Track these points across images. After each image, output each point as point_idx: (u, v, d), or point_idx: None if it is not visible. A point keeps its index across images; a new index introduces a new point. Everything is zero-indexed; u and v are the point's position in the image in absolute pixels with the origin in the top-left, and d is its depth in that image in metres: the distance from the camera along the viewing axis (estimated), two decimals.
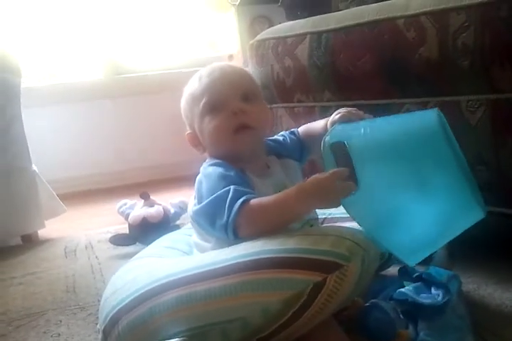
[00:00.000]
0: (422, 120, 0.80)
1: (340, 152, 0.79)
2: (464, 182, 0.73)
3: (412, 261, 0.82)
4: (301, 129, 0.99)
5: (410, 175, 0.77)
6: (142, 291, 0.75)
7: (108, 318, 0.79)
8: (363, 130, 0.83)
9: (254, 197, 0.75)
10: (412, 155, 0.77)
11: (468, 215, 0.77)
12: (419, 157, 0.77)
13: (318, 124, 0.95)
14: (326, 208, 0.81)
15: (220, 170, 0.81)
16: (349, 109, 0.90)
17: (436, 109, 0.80)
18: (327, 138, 0.83)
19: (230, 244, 0.76)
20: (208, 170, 0.82)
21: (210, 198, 0.77)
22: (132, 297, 0.76)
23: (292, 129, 1.00)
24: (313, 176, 0.76)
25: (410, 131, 0.79)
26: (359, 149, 0.79)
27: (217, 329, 0.67)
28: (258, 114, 0.84)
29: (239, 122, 0.82)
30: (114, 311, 0.78)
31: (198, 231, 0.86)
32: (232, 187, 0.76)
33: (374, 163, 0.79)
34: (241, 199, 0.74)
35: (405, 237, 0.77)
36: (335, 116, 0.90)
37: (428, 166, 0.76)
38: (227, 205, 0.74)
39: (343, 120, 0.88)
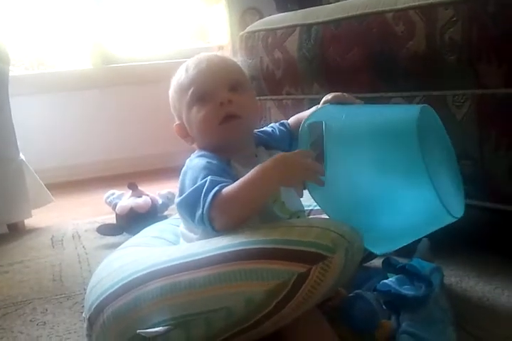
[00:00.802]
0: (406, 114, 0.79)
1: (319, 133, 0.80)
2: (431, 185, 0.71)
3: (377, 250, 0.83)
4: (292, 119, 1.00)
5: (379, 166, 0.77)
6: (127, 280, 0.76)
7: (93, 307, 0.79)
8: (344, 114, 0.83)
9: (226, 186, 0.75)
10: (384, 147, 0.77)
11: (438, 217, 0.76)
12: (392, 150, 0.76)
13: (307, 112, 0.95)
14: (292, 186, 0.78)
15: (204, 160, 0.81)
16: (344, 93, 0.92)
17: (423, 106, 0.80)
18: (310, 115, 0.84)
19: (215, 236, 0.76)
20: (193, 162, 0.83)
21: (190, 190, 0.78)
22: (117, 286, 0.76)
23: (282, 121, 1.00)
24: (279, 154, 0.78)
25: (389, 123, 0.78)
26: (334, 132, 0.79)
27: (201, 318, 0.68)
28: (245, 104, 0.84)
29: (225, 112, 0.82)
30: (100, 300, 0.78)
31: (185, 222, 0.87)
32: (209, 177, 0.76)
33: (347, 148, 0.79)
34: (214, 190, 0.74)
35: (370, 225, 0.78)
36: (328, 96, 0.91)
37: (399, 162, 0.75)
38: (202, 196, 0.75)
39: (336, 100, 0.90)
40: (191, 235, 0.85)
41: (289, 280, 0.66)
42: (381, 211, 0.79)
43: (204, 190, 0.75)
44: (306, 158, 0.76)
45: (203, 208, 0.74)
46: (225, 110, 0.82)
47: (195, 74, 0.85)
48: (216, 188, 0.74)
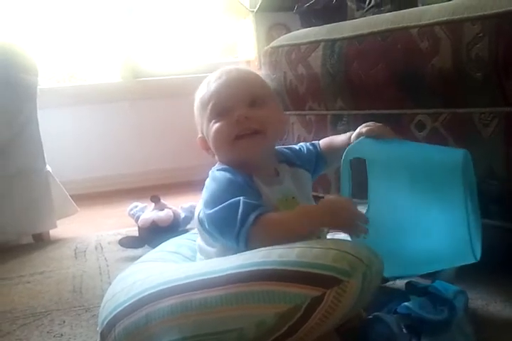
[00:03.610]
0: (448, 156, 0.83)
1: (360, 166, 0.81)
2: (464, 228, 0.77)
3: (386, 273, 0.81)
4: (322, 142, 0.99)
5: (416, 204, 0.81)
6: (139, 297, 0.75)
7: (106, 321, 0.79)
8: (386, 152, 0.85)
9: (265, 211, 0.76)
10: (425, 187, 0.81)
11: (460, 255, 0.81)
12: (431, 191, 0.80)
13: (339, 138, 0.95)
14: (337, 229, 0.81)
15: (227, 175, 0.81)
16: (377, 124, 0.90)
17: (465, 150, 0.83)
18: (349, 149, 0.86)
19: (234, 251, 0.76)
20: (216, 175, 0.83)
21: (219, 207, 0.77)
22: (130, 302, 0.76)
23: (313, 142, 0.99)
24: (327, 196, 0.77)
25: (434, 168, 0.81)
26: (378, 169, 0.83)
27: (212, 339, 0.67)
28: (265, 118, 0.83)
29: (240, 129, 0.82)
30: (112, 315, 0.78)
31: (203, 235, 0.86)
32: (241, 199, 0.76)
33: (387, 184, 0.83)
34: (253, 215, 0.74)
35: (391, 251, 0.78)
36: (362, 128, 0.90)
37: (436, 201, 0.80)
38: (238, 219, 0.74)
39: (370, 134, 0.89)
40: (209, 248, 0.84)
41: (301, 304, 0.64)
42: (408, 240, 0.82)
43: (240, 213, 0.75)
44: (353, 206, 0.76)
45: (239, 230, 0.74)
46: (240, 127, 0.82)
47: (214, 89, 0.85)
48: (256, 213, 0.74)
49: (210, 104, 0.84)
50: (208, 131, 0.85)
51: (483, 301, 0.97)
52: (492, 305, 0.96)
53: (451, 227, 0.79)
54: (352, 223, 0.75)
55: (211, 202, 0.79)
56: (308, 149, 0.96)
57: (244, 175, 0.81)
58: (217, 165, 0.87)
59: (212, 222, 0.79)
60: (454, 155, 0.82)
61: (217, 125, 0.83)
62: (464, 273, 0.96)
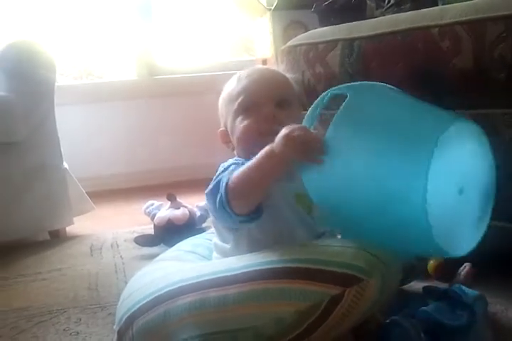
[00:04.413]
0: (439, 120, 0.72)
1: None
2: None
3: None
4: None
5: (381, 167, 0.70)
6: (157, 294, 0.76)
7: (123, 319, 0.80)
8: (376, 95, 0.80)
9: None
10: (398, 146, 0.71)
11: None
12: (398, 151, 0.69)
13: None
14: (303, 159, 0.75)
15: (234, 161, 0.83)
16: None
17: (463, 119, 0.73)
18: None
19: (247, 245, 0.78)
20: (224, 163, 0.84)
21: (213, 183, 0.78)
22: (147, 300, 0.77)
23: None
24: (282, 131, 0.75)
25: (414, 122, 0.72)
26: (353, 105, 0.77)
27: (230, 336, 0.67)
28: (289, 120, 0.84)
29: (268, 127, 0.82)
30: (129, 313, 0.78)
31: (217, 230, 0.87)
32: (230, 167, 0.78)
33: (356, 134, 0.76)
34: (226, 178, 0.75)
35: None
36: None
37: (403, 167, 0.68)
38: (221, 183, 0.76)
39: None
40: (224, 245, 0.85)
41: (321, 302, 0.64)
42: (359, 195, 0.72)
43: (223, 177, 0.76)
44: (311, 138, 0.74)
45: (221, 192, 0.75)
46: (268, 125, 0.83)
47: (245, 85, 0.87)
48: (230, 174, 0.75)
49: (239, 99, 0.86)
50: (233, 126, 0.87)
51: (502, 306, 0.96)
52: (511, 310, 0.94)
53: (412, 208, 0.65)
54: (311, 156, 0.73)
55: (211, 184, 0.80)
56: None
57: None
58: (234, 158, 0.88)
59: (209, 199, 0.79)
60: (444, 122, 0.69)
61: (245, 122, 0.84)
62: (482, 278, 0.95)
